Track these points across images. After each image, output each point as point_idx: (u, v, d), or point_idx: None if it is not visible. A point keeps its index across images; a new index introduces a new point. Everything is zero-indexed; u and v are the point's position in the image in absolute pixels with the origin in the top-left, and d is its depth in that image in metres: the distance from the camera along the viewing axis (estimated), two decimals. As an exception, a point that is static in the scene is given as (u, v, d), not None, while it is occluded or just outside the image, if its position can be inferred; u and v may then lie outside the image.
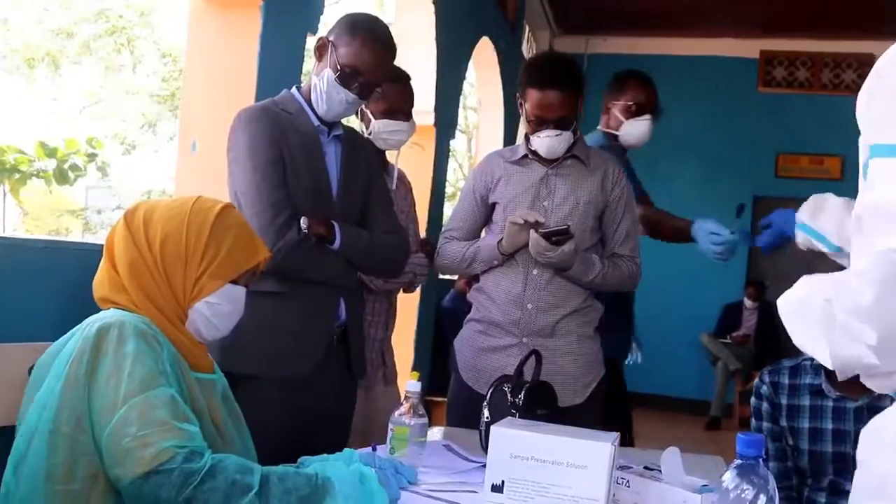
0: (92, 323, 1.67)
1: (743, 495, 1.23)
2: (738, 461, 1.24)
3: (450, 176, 6.87)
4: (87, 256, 1.86)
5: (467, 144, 13.89)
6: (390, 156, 3.06)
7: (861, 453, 1.43)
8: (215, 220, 1.82)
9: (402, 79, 2.99)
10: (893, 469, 1.34)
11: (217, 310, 1.83)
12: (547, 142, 2.69)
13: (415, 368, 5.42)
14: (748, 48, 8.63)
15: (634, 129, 3.48)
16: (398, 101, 2.93)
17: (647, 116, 3.47)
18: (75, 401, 1.59)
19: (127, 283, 1.76)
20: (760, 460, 1.23)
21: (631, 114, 3.48)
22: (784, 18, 7.99)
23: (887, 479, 1.35)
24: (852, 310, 1.20)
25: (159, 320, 1.75)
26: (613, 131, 3.52)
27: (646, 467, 2.02)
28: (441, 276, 5.69)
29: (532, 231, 2.60)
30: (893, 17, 1.58)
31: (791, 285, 1.42)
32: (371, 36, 2.40)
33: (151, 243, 1.78)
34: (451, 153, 6.43)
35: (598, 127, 3.60)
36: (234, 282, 1.86)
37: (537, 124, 2.70)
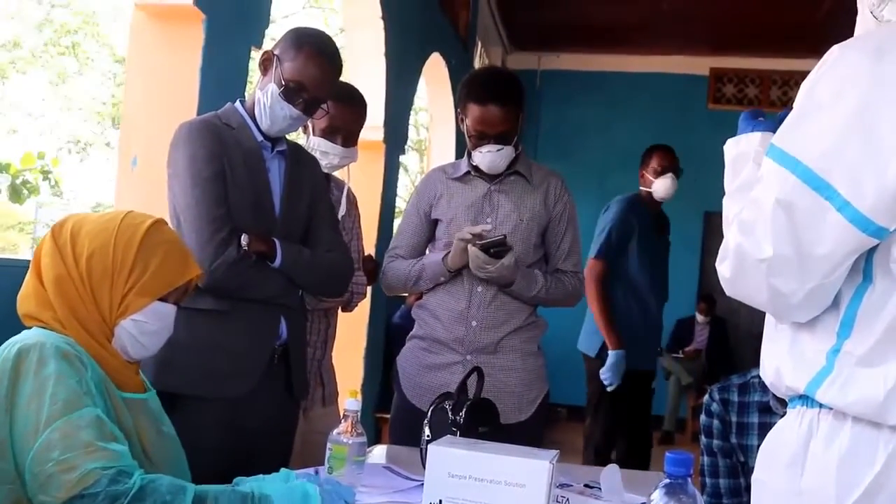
0: (11, 345, 1.63)
1: (672, 515, 1.23)
2: (666, 480, 1.24)
3: (402, 191, 6.86)
4: (15, 273, 1.82)
5: (419, 159, 13.91)
6: (341, 171, 3.03)
7: (758, 473, 1.45)
8: (144, 235, 1.79)
9: (353, 100, 2.92)
10: (790, 491, 1.36)
11: (144, 328, 1.79)
12: (489, 157, 2.69)
13: (364, 385, 5.42)
14: (698, 65, 8.75)
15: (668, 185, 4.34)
16: (340, 122, 2.84)
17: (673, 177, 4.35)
18: None
19: (53, 298, 1.72)
20: (688, 479, 1.23)
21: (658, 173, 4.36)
22: (733, 37, 8.10)
23: (784, 499, 1.37)
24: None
25: (84, 339, 1.71)
26: (647, 189, 4.40)
27: (586, 485, 2.03)
28: (390, 294, 5.68)
29: (469, 245, 2.60)
30: (838, 36, 1.61)
31: (739, 303, 1.48)
32: (317, 51, 2.37)
33: (78, 258, 1.74)
34: (403, 168, 6.43)
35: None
36: (164, 299, 1.82)
37: (478, 139, 2.69)
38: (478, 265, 2.59)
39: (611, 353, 4.27)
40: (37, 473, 1.51)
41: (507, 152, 2.71)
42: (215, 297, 2.26)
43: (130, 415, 1.74)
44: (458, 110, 2.79)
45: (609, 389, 4.29)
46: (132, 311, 1.77)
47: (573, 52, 8.89)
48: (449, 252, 2.69)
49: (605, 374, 4.28)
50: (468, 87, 2.74)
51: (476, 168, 2.78)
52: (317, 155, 2.82)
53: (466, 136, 2.74)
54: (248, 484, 1.69)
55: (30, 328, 1.73)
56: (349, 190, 3.07)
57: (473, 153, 2.73)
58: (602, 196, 7.51)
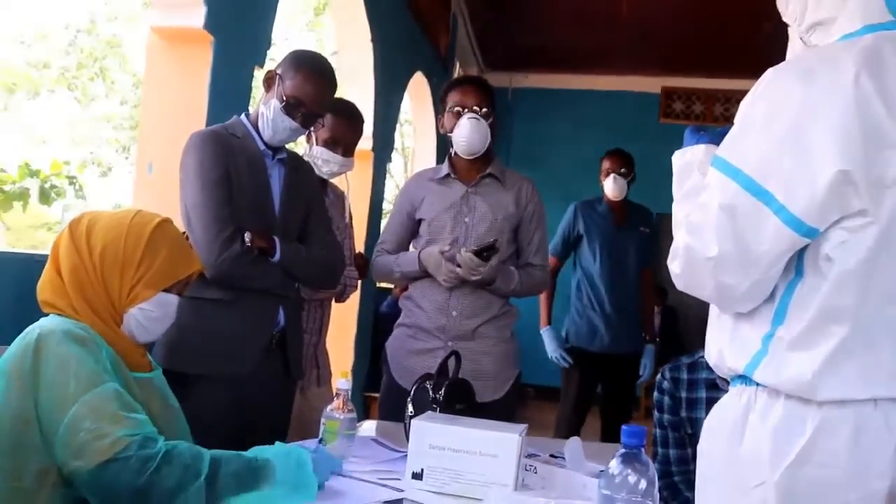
0: (31, 331, 1.62)
1: (627, 479, 1.23)
2: (623, 450, 1.24)
3: (388, 194, 6.85)
4: (37, 266, 1.81)
5: (404, 166, 13.89)
6: (338, 179, 3.02)
7: (702, 444, 1.46)
8: (152, 233, 1.78)
9: (353, 117, 2.94)
10: (730, 459, 1.38)
11: (150, 315, 1.78)
12: (467, 126, 2.68)
13: (354, 367, 5.41)
14: (651, 85, 8.76)
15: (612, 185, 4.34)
16: (341, 135, 2.87)
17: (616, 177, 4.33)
18: (21, 406, 1.54)
19: (69, 287, 1.71)
20: (642, 449, 1.23)
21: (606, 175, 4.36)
22: (682, 60, 8.14)
23: (726, 468, 1.38)
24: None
25: (96, 324, 1.70)
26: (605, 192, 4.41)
27: (552, 455, 2.03)
28: (378, 285, 5.68)
29: (462, 251, 2.60)
30: (773, 59, 1.64)
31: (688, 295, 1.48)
32: (315, 71, 2.38)
33: (92, 251, 1.73)
34: (389, 174, 6.42)
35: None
36: (168, 290, 1.81)
37: (458, 115, 2.71)
38: (471, 268, 2.59)
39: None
40: (69, 442, 1.50)
41: (485, 128, 2.70)
42: (221, 287, 2.26)
43: (141, 391, 1.73)
44: (439, 116, 2.80)
45: (563, 365, 4.38)
46: (140, 301, 1.76)
47: (541, 73, 8.89)
48: (422, 251, 2.72)
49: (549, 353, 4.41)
50: (449, 84, 2.80)
51: (455, 170, 2.78)
52: (318, 163, 2.83)
53: (450, 116, 2.74)
54: (251, 451, 1.68)
55: (47, 315, 1.72)
56: (343, 193, 3.07)
57: (454, 134, 2.71)
58: (568, 200, 7.47)
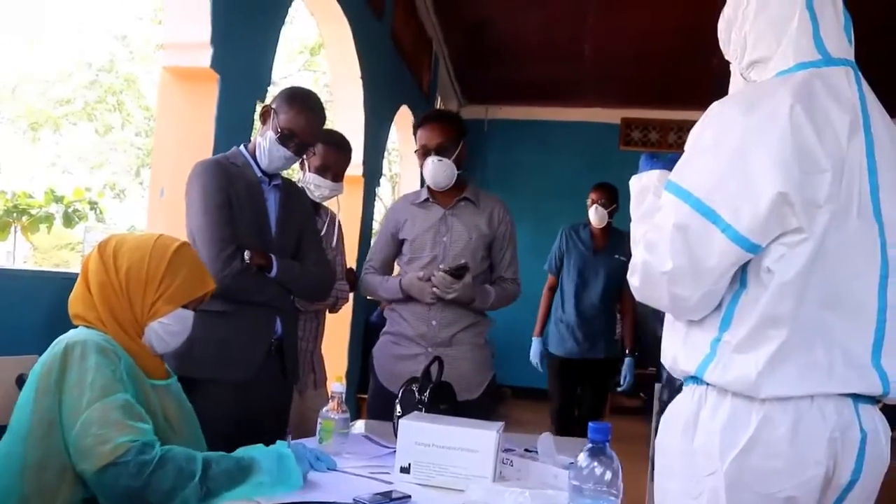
0: (60, 341, 1.62)
1: (594, 471, 1.22)
2: (590, 445, 1.24)
3: (377, 215, 6.84)
4: (66, 283, 1.80)
5: (391, 190, 13.90)
6: (331, 202, 3.01)
7: (660, 438, 1.46)
8: (172, 255, 1.78)
9: (341, 146, 2.93)
10: (685, 451, 1.38)
11: (168, 329, 1.78)
12: (431, 168, 2.69)
13: (348, 372, 5.38)
14: (612, 116, 8.80)
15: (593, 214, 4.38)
16: (331, 162, 2.86)
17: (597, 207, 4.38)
18: (47, 407, 1.55)
19: (97, 301, 1.71)
20: (607, 444, 1.23)
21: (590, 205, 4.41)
22: (639, 93, 8.21)
23: (682, 459, 1.39)
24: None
25: (120, 335, 1.70)
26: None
27: (526, 450, 2.03)
28: (368, 298, 5.66)
29: (435, 272, 2.60)
30: (719, 93, 1.68)
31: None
32: (305, 106, 2.37)
33: (118, 270, 1.73)
34: (377, 197, 6.41)
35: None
36: (185, 307, 1.81)
37: (423, 155, 2.71)
38: (444, 287, 2.59)
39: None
40: (78, 446, 1.50)
41: (448, 166, 2.69)
42: (223, 300, 2.23)
43: (157, 396, 1.73)
44: (416, 152, 2.79)
45: (539, 370, 4.52)
46: (160, 315, 1.76)
47: (514, 105, 8.92)
48: (402, 279, 2.72)
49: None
50: (416, 123, 2.80)
51: (434, 195, 2.77)
52: (311, 188, 2.83)
53: (419, 161, 2.75)
54: (238, 451, 1.69)
55: (77, 326, 1.72)
56: (335, 216, 3.06)
57: (424, 172, 2.72)
58: (537, 220, 7.54)
